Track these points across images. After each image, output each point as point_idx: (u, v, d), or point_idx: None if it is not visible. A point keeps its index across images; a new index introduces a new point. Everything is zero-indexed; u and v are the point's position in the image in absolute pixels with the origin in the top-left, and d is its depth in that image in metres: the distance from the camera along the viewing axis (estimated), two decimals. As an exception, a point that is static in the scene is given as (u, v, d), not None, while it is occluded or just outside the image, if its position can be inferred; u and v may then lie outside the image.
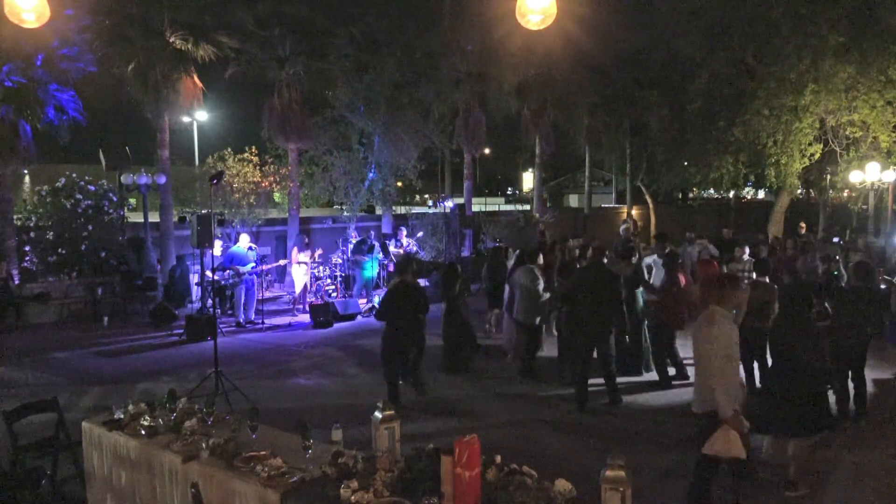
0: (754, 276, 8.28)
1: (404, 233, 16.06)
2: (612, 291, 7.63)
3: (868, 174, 16.59)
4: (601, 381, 7.72)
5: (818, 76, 16.18)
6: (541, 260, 9.45)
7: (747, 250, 10.94)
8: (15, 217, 14.70)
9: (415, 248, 15.37)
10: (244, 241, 12.91)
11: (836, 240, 17.17)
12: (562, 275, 9.39)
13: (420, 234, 18.04)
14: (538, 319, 9.09)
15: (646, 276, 9.43)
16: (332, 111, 18.30)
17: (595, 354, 7.69)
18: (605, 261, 8.07)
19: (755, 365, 7.77)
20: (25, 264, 14.52)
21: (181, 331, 11.74)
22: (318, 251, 14.42)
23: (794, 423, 5.14)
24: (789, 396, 5.14)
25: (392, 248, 15.11)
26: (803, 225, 16.47)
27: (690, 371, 8.00)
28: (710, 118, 18.73)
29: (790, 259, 11.69)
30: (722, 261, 11.84)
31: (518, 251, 10.10)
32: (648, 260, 10.03)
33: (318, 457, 3.53)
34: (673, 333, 8.47)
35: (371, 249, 14.15)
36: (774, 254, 12.47)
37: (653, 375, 8.59)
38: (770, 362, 5.90)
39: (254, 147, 17.96)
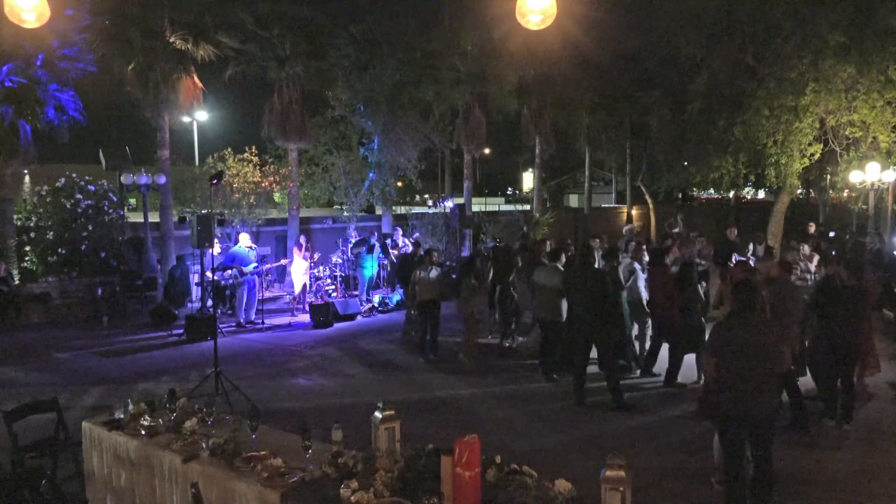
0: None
1: (400, 232, 16.08)
2: (598, 290, 7.64)
3: (868, 174, 16.57)
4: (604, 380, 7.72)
5: (818, 76, 16.15)
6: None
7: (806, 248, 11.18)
8: (15, 217, 14.69)
9: (411, 248, 15.35)
10: (244, 241, 12.89)
11: (831, 234, 17.14)
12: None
13: (417, 234, 17.99)
14: (564, 315, 8.75)
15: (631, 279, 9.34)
16: (332, 111, 18.29)
17: (595, 354, 7.70)
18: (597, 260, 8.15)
19: None
20: (25, 264, 14.51)
21: (181, 331, 11.73)
22: (316, 255, 14.32)
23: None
24: None
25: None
26: (812, 225, 16.46)
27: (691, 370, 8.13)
28: (710, 118, 18.67)
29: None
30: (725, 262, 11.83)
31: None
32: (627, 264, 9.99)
33: (318, 457, 3.53)
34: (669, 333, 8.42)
35: (371, 249, 14.14)
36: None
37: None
38: None
39: (254, 147, 17.97)
